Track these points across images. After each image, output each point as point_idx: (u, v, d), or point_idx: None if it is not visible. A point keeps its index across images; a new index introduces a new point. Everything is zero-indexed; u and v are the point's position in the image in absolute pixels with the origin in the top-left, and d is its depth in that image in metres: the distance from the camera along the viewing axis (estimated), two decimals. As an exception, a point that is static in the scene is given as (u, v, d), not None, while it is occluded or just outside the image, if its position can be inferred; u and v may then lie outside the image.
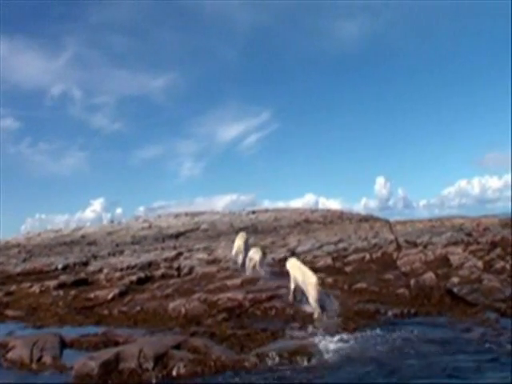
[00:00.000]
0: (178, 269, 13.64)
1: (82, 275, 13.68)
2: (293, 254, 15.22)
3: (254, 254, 10.34)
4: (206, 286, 9.84)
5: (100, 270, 15.13)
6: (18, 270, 17.55)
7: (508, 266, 10.06)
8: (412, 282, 8.41)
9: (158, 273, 12.85)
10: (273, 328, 6.34)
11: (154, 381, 4.62)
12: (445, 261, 11.16)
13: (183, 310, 7.75)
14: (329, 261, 12.33)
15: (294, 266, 7.72)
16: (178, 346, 5.30)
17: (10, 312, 9.16)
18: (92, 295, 9.97)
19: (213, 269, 12.16)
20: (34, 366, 5.36)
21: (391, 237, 16.72)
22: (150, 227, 46.85)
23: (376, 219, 44.85)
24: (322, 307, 6.77)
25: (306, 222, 43.54)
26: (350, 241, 16.31)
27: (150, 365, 4.84)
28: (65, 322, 8.09)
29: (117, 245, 41.60)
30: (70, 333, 7.04)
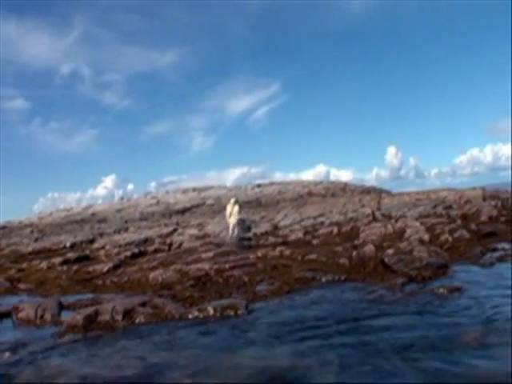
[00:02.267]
0: (170, 244, 15.56)
1: (86, 252, 15.72)
2: (275, 228, 17.01)
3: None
4: (185, 258, 11.72)
5: (103, 247, 17.18)
6: (30, 249, 19.70)
7: (451, 239, 11.67)
8: (354, 253, 10.11)
9: (151, 248, 14.80)
10: (225, 292, 8.17)
11: (121, 327, 6.49)
12: (400, 234, 12.77)
13: (160, 279, 9.63)
14: (300, 234, 14.06)
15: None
16: (143, 304, 7.16)
17: (21, 285, 11.18)
18: (91, 269, 11.94)
19: (197, 243, 14.04)
20: (37, 321, 7.30)
21: (369, 211, 18.32)
22: (157, 203, 49.11)
23: (378, 191, 46.19)
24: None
25: (308, 195, 45.14)
26: (330, 215, 17.95)
27: (119, 317, 6.72)
28: (66, 292, 10.06)
29: (126, 221, 43.93)
30: (68, 299, 9.01)
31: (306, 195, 45.15)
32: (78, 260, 13.64)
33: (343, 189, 46.39)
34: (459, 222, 14.69)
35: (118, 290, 9.55)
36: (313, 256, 10.35)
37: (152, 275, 9.92)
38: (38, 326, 7.12)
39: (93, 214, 49.30)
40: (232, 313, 6.64)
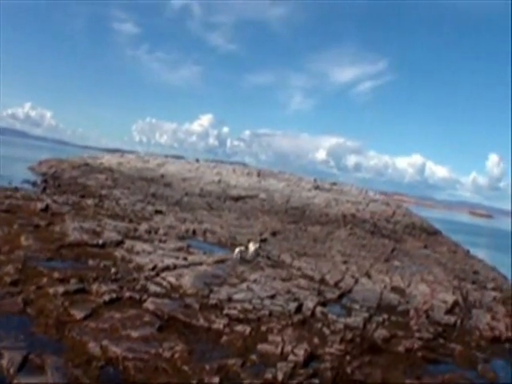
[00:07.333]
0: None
1: (85, 285, 22.66)
2: (229, 299, 22.65)
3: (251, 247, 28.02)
4: (130, 327, 18.37)
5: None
6: (72, 238, 27.71)
7: None
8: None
9: (127, 295, 21.67)
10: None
11: None
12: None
13: (91, 352, 16.47)
14: (221, 326, 19.80)
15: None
16: None
17: (29, 310, 18.78)
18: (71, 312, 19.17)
19: (152, 307, 20.67)
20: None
21: (311, 304, 23.14)
22: (219, 182, 56.62)
23: (436, 236, 48.24)
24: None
25: (352, 217, 49.16)
26: (279, 299, 22.98)
27: None
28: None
29: (186, 193, 52.27)
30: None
31: (349, 216, 49.19)
32: (76, 292, 20.92)
33: (391, 215, 49.25)
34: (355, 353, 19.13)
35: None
36: (184, 368, 16.36)
37: (90, 345, 16.79)
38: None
39: (162, 176, 58.30)
40: None
